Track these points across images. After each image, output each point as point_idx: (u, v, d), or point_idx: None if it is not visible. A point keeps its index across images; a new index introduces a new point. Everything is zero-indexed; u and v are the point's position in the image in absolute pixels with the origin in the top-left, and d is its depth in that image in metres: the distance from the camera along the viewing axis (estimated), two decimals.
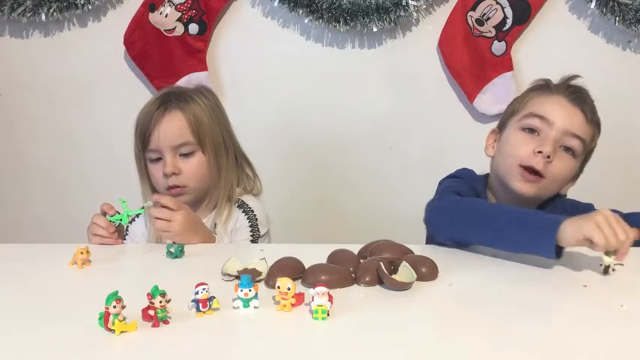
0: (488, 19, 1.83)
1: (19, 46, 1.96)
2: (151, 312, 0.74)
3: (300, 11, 1.82)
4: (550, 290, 0.89)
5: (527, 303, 0.83)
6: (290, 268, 0.90)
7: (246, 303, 0.79)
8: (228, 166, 1.33)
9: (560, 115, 1.16)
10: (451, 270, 0.94)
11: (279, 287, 0.78)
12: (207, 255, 1.08)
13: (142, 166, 1.33)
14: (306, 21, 1.84)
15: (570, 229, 0.93)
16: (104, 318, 0.72)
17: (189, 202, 1.27)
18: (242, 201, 1.33)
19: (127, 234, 1.32)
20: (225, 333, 0.75)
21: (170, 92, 1.33)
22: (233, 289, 0.79)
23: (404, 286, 0.86)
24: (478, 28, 1.84)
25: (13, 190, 2.06)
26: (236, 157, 1.36)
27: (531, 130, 1.18)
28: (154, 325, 0.74)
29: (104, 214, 1.18)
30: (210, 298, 0.78)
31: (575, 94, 1.19)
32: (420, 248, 1.06)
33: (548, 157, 1.13)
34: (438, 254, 0.98)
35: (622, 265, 0.98)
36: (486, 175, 1.29)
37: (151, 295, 0.74)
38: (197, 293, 0.77)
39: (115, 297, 0.72)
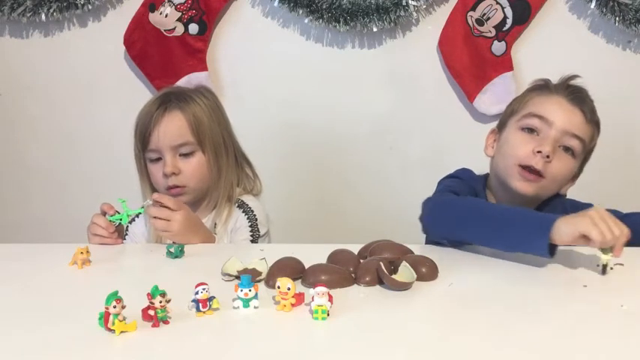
0: (489, 19, 1.83)
1: (19, 46, 1.96)
2: (151, 312, 0.74)
3: (300, 11, 1.82)
4: (550, 290, 0.89)
5: (527, 303, 0.83)
6: (290, 268, 0.90)
7: (246, 303, 0.79)
8: (228, 166, 1.33)
9: (560, 115, 1.16)
10: (451, 270, 0.94)
11: (279, 287, 0.78)
12: (207, 255, 1.08)
13: (141, 166, 1.33)
14: (306, 21, 1.84)
15: (565, 227, 0.93)
16: (104, 318, 0.72)
17: (189, 202, 1.27)
18: (242, 201, 1.34)
19: (126, 234, 1.32)
20: (225, 333, 0.75)
21: (170, 92, 1.33)
22: (233, 289, 0.79)
23: (404, 286, 0.86)
24: (478, 28, 1.84)
25: (13, 190, 2.06)
26: (236, 157, 1.36)
27: (531, 130, 1.18)
28: (154, 325, 0.74)
29: (104, 214, 1.18)
30: (210, 298, 0.78)
31: (574, 94, 1.19)
32: (420, 248, 1.06)
33: (548, 157, 1.13)
34: (438, 254, 0.98)
35: (622, 265, 0.98)
36: (486, 175, 1.29)
37: (151, 295, 0.74)
38: (197, 293, 0.77)
39: (115, 297, 0.72)
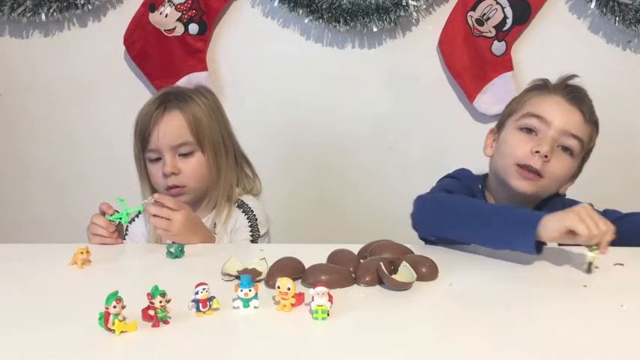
0: (489, 19, 1.83)
1: (19, 46, 1.96)
2: (151, 312, 0.74)
3: (300, 11, 1.82)
4: (550, 290, 0.89)
5: (527, 303, 0.84)
6: (290, 268, 0.90)
7: (246, 303, 0.79)
8: (227, 166, 1.33)
9: (558, 114, 1.16)
10: (451, 270, 0.94)
11: (279, 287, 0.78)
12: (207, 255, 1.08)
13: (141, 166, 1.33)
14: (306, 21, 1.84)
15: (551, 223, 0.94)
16: (104, 318, 0.72)
17: (189, 202, 1.27)
18: (242, 201, 1.34)
19: (126, 234, 1.32)
20: (225, 333, 0.75)
21: (169, 92, 1.33)
22: (233, 289, 0.79)
23: (404, 286, 0.86)
24: (478, 28, 1.84)
25: (13, 190, 2.06)
26: (235, 157, 1.36)
27: (529, 130, 1.18)
28: (154, 325, 0.74)
29: (103, 213, 1.18)
30: (210, 298, 0.78)
31: (572, 93, 1.19)
32: (420, 248, 1.06)
33: (546, 156, 1.13)
34: (438, 254, 0.98)
35: (622, 265, 0.98)
36: (485, 175, 1.29)
37: (151, 295, 0.74)
38: (197, 293, 0.77)
39: (115, 297, 0.72)
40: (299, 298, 0.79)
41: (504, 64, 1.86)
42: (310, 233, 1.94)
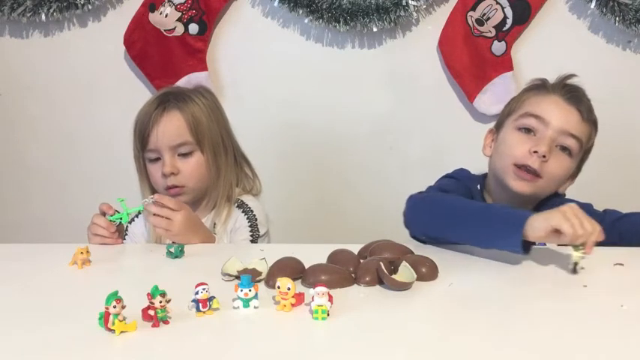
0: (489, 19, 1.83)
1: (19, 46, 1.96)
2: (151, 312, 0.74)
3: (300, 11, 1.82)
4: (550, 290, 0.89)
5: (527, 303, 0.84)
6: (290, 268, 0.90)
7: (246, 303, 0.79)
8: (227, 166, 1.33)
9: (556, 114, 1.16)
10: (451, 270, 0.94)
11: (279, 287, 0.78)
12: (207, 255, 1.08)
13: (141, 167, 1.33)
14: (306, 21, 1.84)
15: (537, 222, 0.94)
16: (104, 318, 0.72)
17: (188, 202, 1.27)
18: (241, 201, 1.34)
19: (126, 234, 1.32)
20: (225, 333, 0.75)
21: (168, 92, 1.33)
22: (233, 289, 0.79)
23: (404, 286, 0.86)
24: (478, 28, 1.84)
25: (13, 190, 2.06)
26: (235, 157, 1.36)
27: (527, 130, 1.18)
28: (154, 325, 0.74)
29: (103, 214, 1.18)
30: (210, 298, 0.78)
31: (571, 93, 1.19)
32: (420, 248, 1.06)
33: (544, 156, 1.13)
34: (438, 254, 0.98)
35: (622, 265, 0.98)
36: (484, 175, 1.29)
37: (151, 295, 0.74)
38: (197, 293, 0.77)
39: (115, 297, 0.72)
40: (299, 298, 0.79)
41: (504, 64, 1.86)
42: (310, 233, 1.94)
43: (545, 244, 1.08)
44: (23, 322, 0.77)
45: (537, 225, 0.93)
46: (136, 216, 1.32)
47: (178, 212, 1.15)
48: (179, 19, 1.87)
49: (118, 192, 1.20)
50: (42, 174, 2.04)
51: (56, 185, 2.05)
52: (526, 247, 0.95)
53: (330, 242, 1.02)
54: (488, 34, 1.84)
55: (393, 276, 0.87)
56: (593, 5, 1.78)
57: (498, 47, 1.85)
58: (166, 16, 1.87)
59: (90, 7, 1.88)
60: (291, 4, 1.82)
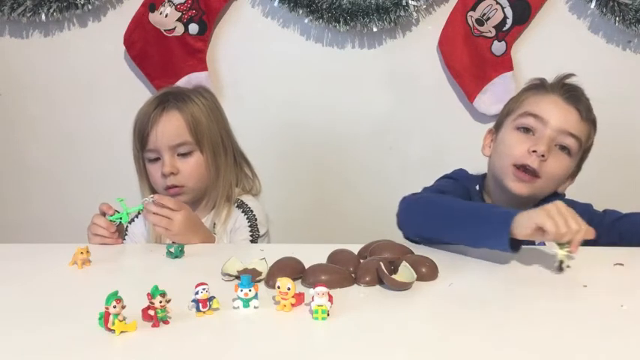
0: (489, 19, 1.83)
1: (19, 46, 1.96)
2: (151, 312, 0.74)
3: (300, 11, 1.82)
4: (550, 290, 0.89)
5: (527, 303, 0.84)
6: (290, 268, 0.90)
7: (246, 303, 0.79)
8: (226, 166, 1.33)
9: (555, 114, 1.16)
10: (451, 270, 0.94)
11: (279, 287, 0.78)
12: (207, 255, 1.08)
13: (140, 167, 1.33)
14: (306, 21, 1.84)
15: (523, 220, 0.94)
16: (104, 318, 0.72)
17: (188, 201, 1.27)
18: (241, 201, 1.34)
19: (126, 234, 1.32)
20: (225, 333, 0.75)
21: (168, 92, 1.33)
22: (233, 289, 0.79)
23: (404, 286, 0.86)
24: (478, 28, 1.84)
25: (13, 190, 2.06)
26: (235, 157, 1.36)
27: (526, 130, 1.18)
28: (154, 325, 0.74)
29: (103, 214, 1.18)
30: (210, 298, 0.78)
31: (569, 92, 1.19)
32: (419, 248, 1.06)
33: (543, 156, 1.13)
34: (438, 254, 0.98)
35: (622, 265, 0.98)
36: (483, 175, 1.29)
37: (151, 295, 0.74)
38: (197, 293, 0.77)
39: (115, 297, 0.72)
40: (299, 298, 0.79)
41: (504, 64, 1.86)
42: (310, 233, 1.94)
43: (544, 244, 1.08)
44: (23, 322, 0.77)
45: (523, 223, 0.93)
46: (136, 216, 1.32)
47: (178, 212, 1.15)
48: (179, 19, 1.87)
49: (118, 192, 1.20)
50: (42, 174, 2.04)
51: (56, 185, 2.04)
52: (515, 245, 0.95)
53: (330, 242, 1.02)
54: (488, 34, 1.84)
55: (393, 276, 0.87)
56: (593, 5, 1.78)
57: (498, 47, 1.85)
58: (166, 16, 1.87)
59: (90, 7, 1.88)
60: (291, 4, 1.82)
